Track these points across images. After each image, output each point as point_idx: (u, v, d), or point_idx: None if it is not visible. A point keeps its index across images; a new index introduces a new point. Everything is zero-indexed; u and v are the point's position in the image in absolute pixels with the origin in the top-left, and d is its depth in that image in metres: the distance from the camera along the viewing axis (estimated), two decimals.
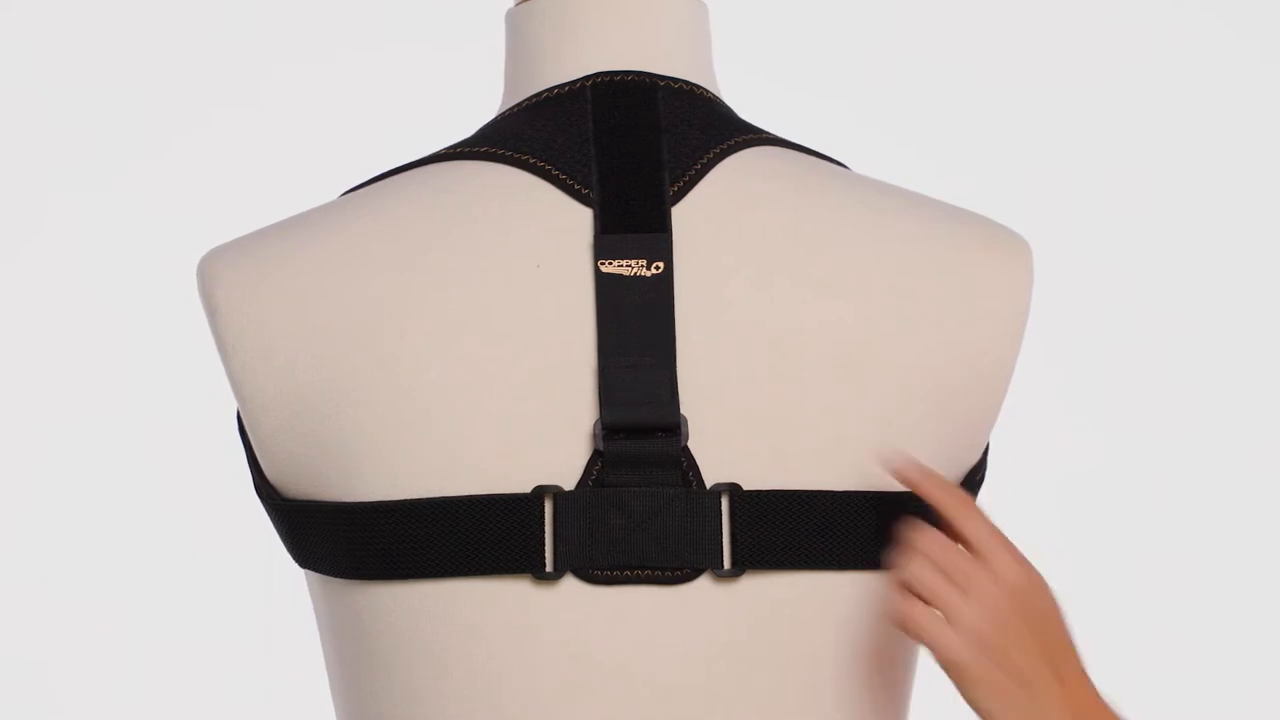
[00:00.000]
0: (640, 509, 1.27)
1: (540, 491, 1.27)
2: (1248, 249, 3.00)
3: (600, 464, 1.27)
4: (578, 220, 1.31)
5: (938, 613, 1.26)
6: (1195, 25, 3.00)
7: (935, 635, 1.26)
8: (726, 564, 1.28)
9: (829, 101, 2.89)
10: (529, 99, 1.37)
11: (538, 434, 1.28)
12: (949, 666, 1.26)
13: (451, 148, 1.37)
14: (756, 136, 1.37)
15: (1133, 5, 2.99)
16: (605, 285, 1.29)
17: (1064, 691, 1.27)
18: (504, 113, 1.39)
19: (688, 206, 1.32)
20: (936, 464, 1.33)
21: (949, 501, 1.28)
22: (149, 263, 2.89)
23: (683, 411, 1.28)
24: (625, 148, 1.32)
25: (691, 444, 1.28)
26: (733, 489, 1.28)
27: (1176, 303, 2.97)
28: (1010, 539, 1.28)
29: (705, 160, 1.33)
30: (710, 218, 1.32)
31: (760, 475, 1.28)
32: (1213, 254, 2.99)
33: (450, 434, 1.28)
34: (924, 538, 1.27)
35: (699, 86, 1.37)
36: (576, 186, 1.32)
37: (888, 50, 2.98)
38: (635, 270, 1.29)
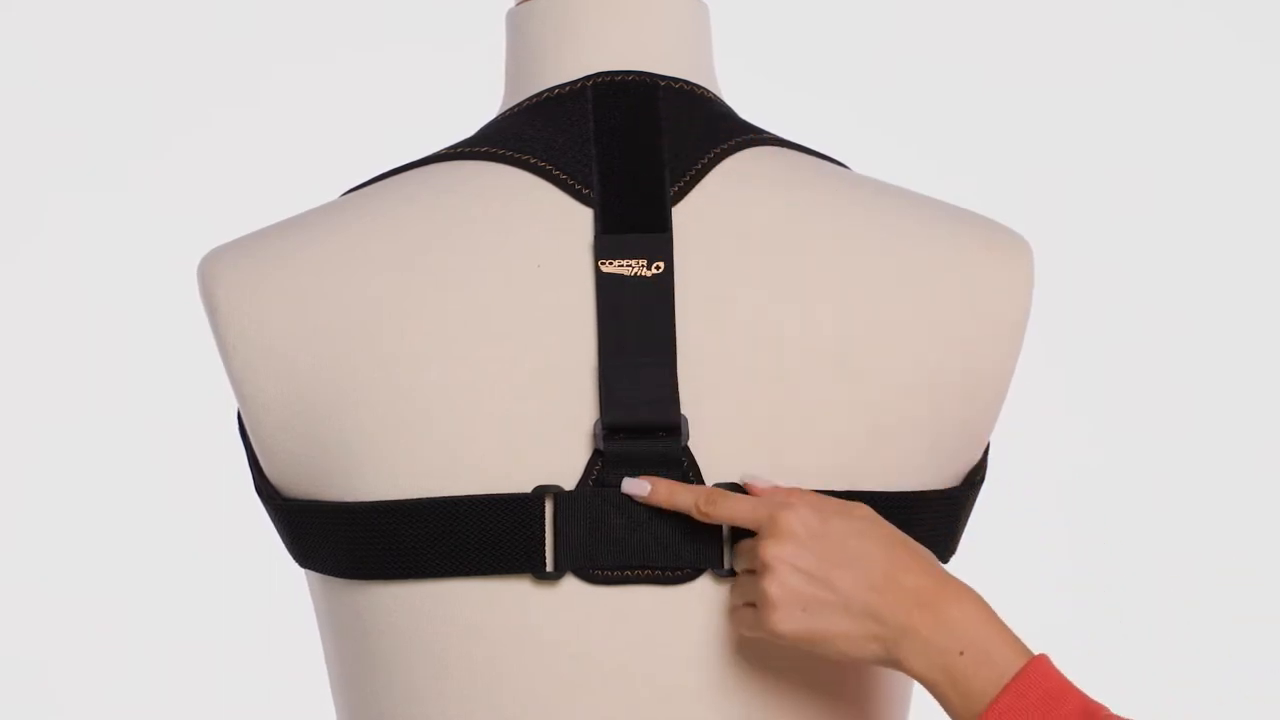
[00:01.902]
0: (640, 509, 1.27)
1: (541, 491, 1.27)
2: (1248, 248, 2.99)
3: (601, 464, 1.27)
4: (578, 220, 1.31)
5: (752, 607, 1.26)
6: (1195, 25, 3.00)
7: (754, 625, 1.25)
8: (727, 564, 1.28)
9: (829, 101, 2.89)
10: (530, 99, 1.37)
11: (538, 434, 1.28)
12: (789, 641, 1.24)
13: (452, 148, 1.37)
14: (757, 137, 1.37)
15: (1133, 5, 2.99)
16: (606, 285, 1.29)
17: (917, 603, 1.23)
18: (505, 113, 1.38)
19: (688, 207, 1.32)
20: (935, 462, 1.33)
21: (694, 504, 1.26)
22: (149, 263, 2.89)
23: (683, 411, 1.28)
24: (626, 148, 1.32)
25: (692, 444, 1.28)
26: (733, 489, 1.28)
27: (1177, 302, 2.97)
28: (787, 495, 1.25)
29: (706, 160, 1.33)
30: (711, 218, 1.31)
31: (761, 475, 1.28)
32: (1213, 253, 2.99)
33: (450, 434, 1.28)
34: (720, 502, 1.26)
35: (699, 86, 1.37)
36: (577, 186, 1.32)
37: (888, 50, 2.98)
38: (636, 270, 1.29)
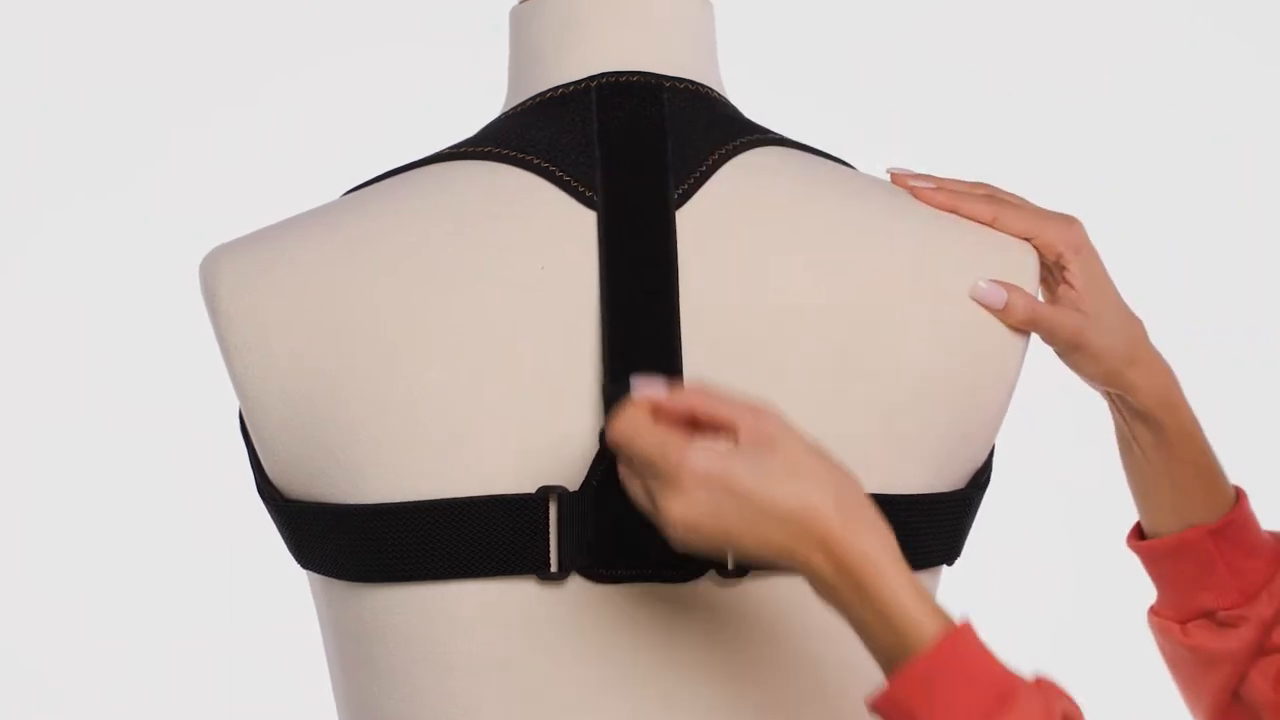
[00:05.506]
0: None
1: (545, 492, 1.27)
2: (1248, 249, 2.99)
3: (604, 464, 1.27)
4: (581, 222, 1.31)
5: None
6: (1194, 25, 3.00)
7: (651, 513, 1.20)
8: (730, 564, 1.28)
9: (830, 103, 2.89)
10: (533, 98, 1.36)
11: (542, 434, 1.28)
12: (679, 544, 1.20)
13: (454, 147, 1.37)
14: (763, 136, 1.36)
15: (1133, 6, 2.99)
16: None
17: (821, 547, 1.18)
18: (508, 112, 1.38)
19: (692, 209, 1.31)
20: (940, 464, 1.33)
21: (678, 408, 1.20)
22: (151, 263, 2.89)
23: None
24: (629, 150, 1.32)
25: None
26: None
27: (1177, 304, 2.97)
28: (731, 398, 1.19)
29: (711, 161, 1.33)
30: (715, 220, 1.31)
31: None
32: (1214, 254, 2.99)
33: (454, 435, 1.28)
34: (627, 434, 1.20)
35: (704, 86, 1.37)
36: (580, 188, 1.31)
37: (889, 51, 2.98)
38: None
